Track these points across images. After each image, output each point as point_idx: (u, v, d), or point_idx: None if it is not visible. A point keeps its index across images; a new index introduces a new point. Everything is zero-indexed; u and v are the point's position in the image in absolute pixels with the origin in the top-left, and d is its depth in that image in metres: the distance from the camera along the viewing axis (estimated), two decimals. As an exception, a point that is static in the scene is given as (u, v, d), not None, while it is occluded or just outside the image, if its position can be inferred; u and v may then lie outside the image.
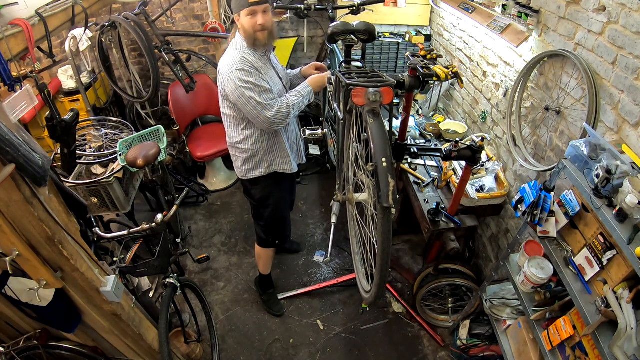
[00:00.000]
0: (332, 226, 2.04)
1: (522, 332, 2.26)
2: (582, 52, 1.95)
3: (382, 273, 1.58)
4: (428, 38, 3.91)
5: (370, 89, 1.55)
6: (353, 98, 1.59)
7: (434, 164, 3.03)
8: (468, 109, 3.31)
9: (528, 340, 2.18)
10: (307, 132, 2.82)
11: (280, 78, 2.51)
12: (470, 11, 2.95)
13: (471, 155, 2.20)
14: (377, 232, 1.54)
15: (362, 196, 1.91)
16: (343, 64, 2.26)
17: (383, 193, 1.40)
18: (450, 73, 2.27)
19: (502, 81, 2.70)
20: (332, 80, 2.47)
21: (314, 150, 3.87)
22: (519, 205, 1.97)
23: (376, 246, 1.57)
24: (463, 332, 2.82)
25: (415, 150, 2.37)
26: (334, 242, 2.22)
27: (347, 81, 1.68)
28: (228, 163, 4.24)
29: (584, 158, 1.63)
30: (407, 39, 3.90)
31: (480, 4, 2.80)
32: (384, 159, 1.43)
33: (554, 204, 1.85)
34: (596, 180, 1.52)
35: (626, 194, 1.39)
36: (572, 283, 1.69)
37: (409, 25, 3.98)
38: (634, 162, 1.49)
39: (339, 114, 1.99)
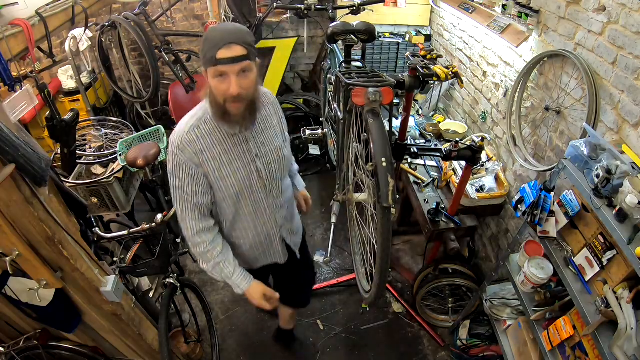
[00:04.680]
0: (332, 226, 2.05)
1: (522, 332, 2.26)
2: (582, 52, 1.95)
3: (382, 273, 1.58)
4: (428, 38, 3.91)
5: (370, 89, 1.55)
6: (353, 98, 1.59)
7: (434, 164, 3.03)
8: (468, 109, 3.31)
9: (528, 340, 2.18)
10: (307, 132, 2.83)
11: (276, 149, 1.76)
12: (470, 11, 2.95)
13: (471, 155, 2.20)
14: (377, 232, 1.54)
15: (362, 196, 1.91)
16: (343, 64, 2.26)
17: (383, 193, 1.40)
18: (450, 73, 2.27)
19: (502, 81, 2.70)
20: (332, 80, 2.48)
21: (314, 150, 3.88)
22: (519, 205, 1.97)
23: (376, 246, 1.57)
24: (463, 332, 2.82)
25: (415, 150, 2.37)
26: (334, 242, 2.22)
27: (347, 81, 1.68)
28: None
29: (584, 158, 1.63)
30: (407, 39, 3.90)
31: (480, 4, 2.80)
32: (383, 159, 1.43)
33: (554, 204, 1.85)
34: (596, 180, 1.52)
35: (626, 194, 1.39)
36: (572, 283, 1.69)
37: (409, 25, 3.98)
38: (634, 162, 1.49)
39: (339, 114, 1.99)
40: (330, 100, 2.86)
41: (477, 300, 2.60)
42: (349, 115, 1.87)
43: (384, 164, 1.43)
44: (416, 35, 3.86)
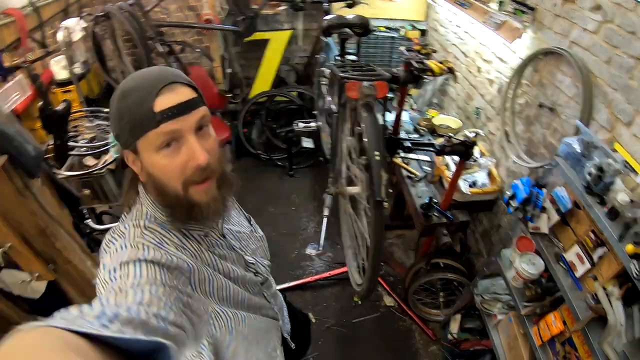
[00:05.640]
0: (325, 219, 2.06)
1: (512, 326, 2.28)
2: (577, 50, 1.95)
3: (374, 266, 1.59)
4: (423, 33, 3.91)
5: (365, 83, 1.56)
6: (347, 91, 1.59)
7: (427, 158, 3.03)
8: (462, 104, 3.31)
9: (518, 334, 2.20)
10: (301, 124, 2.83)
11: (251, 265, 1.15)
12: (466, 7, 2.95)
13: (464, 151, 2.21)
14: (369, 226, 1.55)
15: (354, 189, 1.92)
16: (338, 57, 2.26)
17: (375, 186, 1.41)
18: (444, 68, 2.27)
19: (496, 77, 2.71)
20: (327, 73, 2.47)
21: (307, 143, 3.88)
22: (511, 201, 1.98)
23: (369, 240, 1.57)
24: (454, 326, 2.84)
25: (409, 145, 2.37)
26: (326, 235, 2.23)
27: (342, 74, 1.68)
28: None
29: (577, 155, 1.64)
30: (402, 33, 3.90)
31: (476, 0, 2.79)
32: (377, 153, 1.44)
33: (545, 201, 1.87)
34: (588, 177, 1.53)
35: (618, 192, 1.40)
36: (562, 279, 1.71)
37: (404, 20, 3.97)
38: (626, 161, 1.51)
39: (332, 107, 1.99)
40: (325, 93, 2.85)
41: (469, 294, 2.62)
42: (342, 109, 1.87)
43: (377, 158, 1.43)
44: (411, 29, 3.86)
